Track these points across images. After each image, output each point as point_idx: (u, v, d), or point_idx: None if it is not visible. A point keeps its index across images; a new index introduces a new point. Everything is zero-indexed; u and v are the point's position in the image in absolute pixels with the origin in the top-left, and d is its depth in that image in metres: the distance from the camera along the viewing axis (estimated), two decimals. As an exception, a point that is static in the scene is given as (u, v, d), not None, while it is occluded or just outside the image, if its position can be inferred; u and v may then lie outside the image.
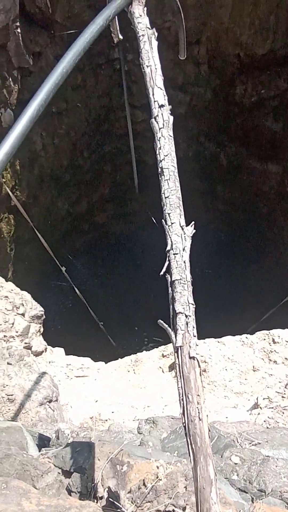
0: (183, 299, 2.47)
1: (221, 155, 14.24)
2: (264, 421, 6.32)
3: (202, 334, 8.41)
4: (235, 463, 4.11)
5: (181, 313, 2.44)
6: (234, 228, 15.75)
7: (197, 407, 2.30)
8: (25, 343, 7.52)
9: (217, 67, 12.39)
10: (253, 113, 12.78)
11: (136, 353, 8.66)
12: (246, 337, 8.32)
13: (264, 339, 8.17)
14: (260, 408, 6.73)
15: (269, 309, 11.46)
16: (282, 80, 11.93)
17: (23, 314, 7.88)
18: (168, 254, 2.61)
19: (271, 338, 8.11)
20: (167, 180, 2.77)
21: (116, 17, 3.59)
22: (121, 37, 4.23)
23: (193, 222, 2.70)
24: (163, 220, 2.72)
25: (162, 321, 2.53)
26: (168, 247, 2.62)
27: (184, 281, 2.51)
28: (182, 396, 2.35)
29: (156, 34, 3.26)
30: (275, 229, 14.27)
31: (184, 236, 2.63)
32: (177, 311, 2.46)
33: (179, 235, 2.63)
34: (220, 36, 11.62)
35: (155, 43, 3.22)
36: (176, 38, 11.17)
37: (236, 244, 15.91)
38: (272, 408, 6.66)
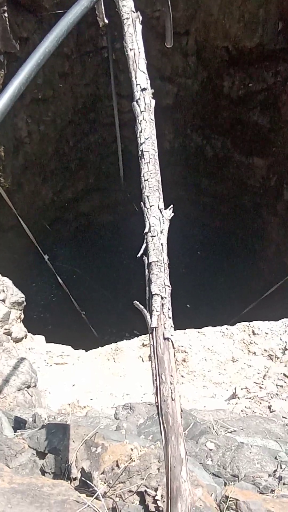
0: (159, 281, 2.48)
1: (207, 148, 14.24)
2: (241, 410, 6.37)
3: (184, 325, 8.44)
4: (210, 449, 4.14)
5: (157, 294, 2.45)
6: (219, 221, 15.79)
7: (170, 387, 2.32)
8: (5, 329, 7.50)
9: (205, 59, 12.37)
10: (240, 106, 12.79)
11: (116, 342, 8.69)
12: (226, 328, 8.37)
13: (244, 331, 8.22)
14: (238, 398, 6.79)
15: (251, 303, 11.53)
16: (270, 74, 11.94)
17: (3, 300, 7.85)
18: (145, 237, 2.62)
19: (251, 329, 8.16)
20: (147, 163, 2.77)
21: (102, 0, 3.57)
22: (106, 21, 4.21)
23: (171, 205, 2.71)
24: (141, 202, 2.73)
25: (137, 302, 2.53)
26: (146, 230, 2.62)
27: (161, 263, 2.52)
28: (156, 376, 2.37)
29: (140, 18, 3.24)
30: (259, 222, 14.34)
31: (162, 219, 2.64)
32: (153, 293, 2.47)
33: (157, 218, 2.63)
34: (209, 28, 11.59)
35: (139, 27, 3.21)
36: (164, 28, 11.18)
37: (220, 237, 15.95)
38: (250, 398, 6.72)
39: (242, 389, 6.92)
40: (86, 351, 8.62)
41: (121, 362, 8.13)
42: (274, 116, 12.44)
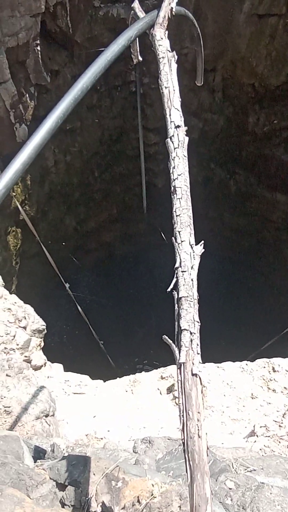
0: (189, 316, 2.49)
1: (231, 182, 14.34)
2: (260, 449, 6.27)
3: (202, 358, 8.39)
4: (230, 488, 4.08)
5: (186, 330, 2.46)
6: (240, 255, 15.77)
7: (197, 424, 2.30)
8: (25, 356, 7.51)
9: (232, 96, 12.55)
10: (264, 142, 12.89)
11: (135, 374, 8.63)
12: (246, 364, 8.28)
13: (264, 367, 8.13)
14: (257, 436, 6.67)
15: (271, 338, 11.42)
16: (295, 112, 12.07)
17: (24, 328, 7.88)
18: (176, 271, 2.64)
19: (271, 366, 8.07)
20: (179, 198, 2.81)
21: (137, 39, 3.67)
22: (140, 58, 4.31)
23: (202, 241, 2.73)
24: (173, 237, 2.76)
25: (166, 337, 2.54)
26: (177, 265, 2.64)
27: (191, 299, 2.53)
28: (183, 412, 2.36)
29: (176, 57, 3.33)
30: (281, 258, 14.29)
31: (193, 255, 2.67)
32: (182, 328, 2.47)
33: (188, 253, 2.66)
34: (236, 65, 11.79)
35: (174, 66, 3.30)
36: (192, 64, 11.37)
37: (240, 271, 15.91)
38: (269, 436, 6.61)
39: (261, 427, 6.81)
40: (104, 381, 8.58)
41: (139, 394, 8.07)
42: (298, 153, 12.54)
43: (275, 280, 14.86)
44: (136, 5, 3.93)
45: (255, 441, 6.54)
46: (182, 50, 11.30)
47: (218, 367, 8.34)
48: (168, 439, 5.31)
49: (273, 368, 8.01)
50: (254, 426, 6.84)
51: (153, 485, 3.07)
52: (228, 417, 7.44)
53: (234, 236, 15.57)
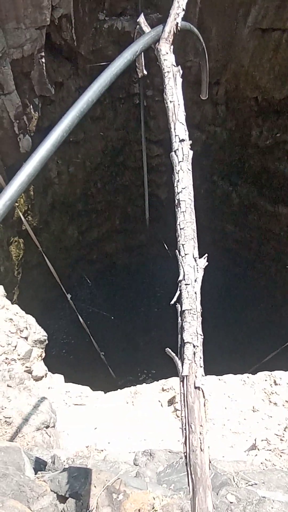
0: (192, 329, 2.50)
1: (233, 194, 14.38)
2: (261, 462, 6.24)
3: (203, 371, 8.36)
4: (231, 502, 4.06)
5: (189, 342, 2.47)
6: (242, 267, 15.78)
7: (199, 437, 2.30)
8: (26, 367, 7.51)
9: (235, 108, 12.61)
10: (267, 155, 12.94)
11: (135, 385, 8.61)
12: (248, 377, 8.26)
13: (266, 380, 8.10)
14: (258, 449, 6.64)
15: (272, 351, 11.40)
16: (298, 125, 12.13)
17: (26, 338, 7.88)
18: (179, 284, 2.65)
19: (272, 379, 8.05)
20: (183, 212, 2.83)
21: (142, 53, 3.71)
22: (145, 72, 4.35)
23: (206, 255, 2.75)
24: (176, 250, 2.77)
25: (170, 350, 2.55)
26: (180, 277, 2.65)
27: (194, 312, 2.54)
28: (185, 425, 2.36)
29: (181, 71, 3.37)
30: (283, 271, 14.30)
31: (197, 268, 2.68)
32: (185, 341, 2.48)
33: (192, 266, 2.67)
34: (240, 78, 11.86)
35: (179, 80, 3.33)
36: (196, 77, 11.46)
37: (242, 283, 15.91)
38: (270, 450, 6.58)
39: (262, 440, 6.77)
40: (105, 392, 8.56)
41: (140, 406, 8.04)
42: (300, 166, 12.58)
43: (276, 293, 14.85)
44: (141, 19, 3.97)
45: (256, 455, 6.51)
46: (186, 63, 11.39)
47: (219, 379, 8.32)
48: (169, 451, 5.29)
49: (275, 381, 7.99)
50: (255, 440, 6.81)
51: (154, 498, 3.06)
52: (229, 430, 7.40)
53: (236, 249, 15.59)
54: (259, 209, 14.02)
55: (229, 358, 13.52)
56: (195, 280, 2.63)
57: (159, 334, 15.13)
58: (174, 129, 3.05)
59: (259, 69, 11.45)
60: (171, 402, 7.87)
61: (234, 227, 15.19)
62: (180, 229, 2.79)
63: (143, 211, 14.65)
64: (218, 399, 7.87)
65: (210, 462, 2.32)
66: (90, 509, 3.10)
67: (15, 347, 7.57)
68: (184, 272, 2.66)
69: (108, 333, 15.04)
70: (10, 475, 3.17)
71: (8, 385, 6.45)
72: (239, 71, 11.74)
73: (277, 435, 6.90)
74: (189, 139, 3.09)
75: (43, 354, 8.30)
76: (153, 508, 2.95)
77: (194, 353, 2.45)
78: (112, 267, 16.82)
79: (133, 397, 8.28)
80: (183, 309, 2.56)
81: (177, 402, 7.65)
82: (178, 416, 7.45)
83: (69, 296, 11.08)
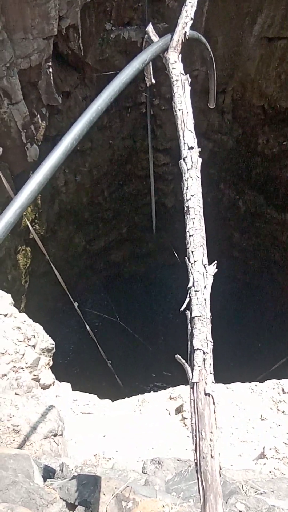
0: (202, 336, 2.50)
1: (240, 202, 14.39)
2: (270, 471, 6.20)
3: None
4: (240, 511, 4.04)
5: (199, 349, 2.47)
6: (248, 275, 15.76)
7: (209, 444, 2.30)
8: (34, 375, 7.51)
9: (241, 117, 12.65)
10: (273, 163, 12.96)
11: (143, 393, 8.60)
12: (256, 385, 8.23)
13: (274, 389, 8.07)
14: (266, 458, 6.61)
15: (280, 359, 11.36)
16: (305, 133, 12.15)
17: (34, 346, 7.89)
18: (189, 291, 2.65)
19: (280, 387, 8.01)
20: (192, 219, 2.84)
21: (150, 62, 3.74)
22: (153, 81, 4.37)
23: (215, 262, 2.75)
24: (186, 257, 2.78)
25: (180, 356, 2.55)
26: (190, 284, 2.66)
27: (204, 318, 2.54)
28: (195, 432, 2.36)
29: (189, 80, 3.39)
30: (290, 279, 14.29)
31: (206, 275, 2.68)
32: (195, 347, 2.48)
33: (201, 273, 2.68)
34: (246, 87, 11.91)
35: (188, 88, 3.35)
36: (202, 86, 11.50)
37: (249, 291, 15.88)
38: (279, 459, 6.54)
39: (270, 449, 6.74)
40: (112, 401, 8.55)
41: (148, 414, 8.02)
42: (307, 174, 12.58)
43: (283, 300, 14.81)
44: (150, 29, 4.00)
45: (264, 463, 6.48)
46: (192, 72, 11.44)
47: (227, 387, 8.29)
48: (178, 460, 5.27)
49: (283, 390, 7.95)
50: (263, 448, 6.78)
51: (164, 506, 3.05)
52: (237, 439, 7.37)
53: (243, 256, 15.58)
54: (266, 217, 14.03)
55: (237, 366, 13.48)
56: (205, 287, 2.63)
57: (167, 342, 15.12)
58: (183, 136, 3.07)
59: (265, 78, 11.50)
60: (178, 410, 7.84)
61: (241, 235, 15.19)
62: (190, 236, 2.80)
63: (150, 219, 14.68)
64: (226, 408, 7.84)
65: (220, 469, 2.31)
66: (99, 517, 3.09)
67: (23, 355, 7.58)
68: (193, 278, 2.66)
69: (115, 342, 15.03)
70: (19, 483, 3.17)
71: (16, 393, 6.45)
72: (246, 80, 11.79)
73: (285, 443, 6.87)
74: (199, 148, 3.11)
75: (51, 363, 8.30)
76: (163, 516, 2.95)
77: (204, 360, 2.45)
78: (120, 276, 16.84)
79: (141, 405, 8.26)
80: (193, 315, 2.56)
81: (184, 411, 7.63)
82: (186, 425, 7.43)
83: (76, 304, 11.10)
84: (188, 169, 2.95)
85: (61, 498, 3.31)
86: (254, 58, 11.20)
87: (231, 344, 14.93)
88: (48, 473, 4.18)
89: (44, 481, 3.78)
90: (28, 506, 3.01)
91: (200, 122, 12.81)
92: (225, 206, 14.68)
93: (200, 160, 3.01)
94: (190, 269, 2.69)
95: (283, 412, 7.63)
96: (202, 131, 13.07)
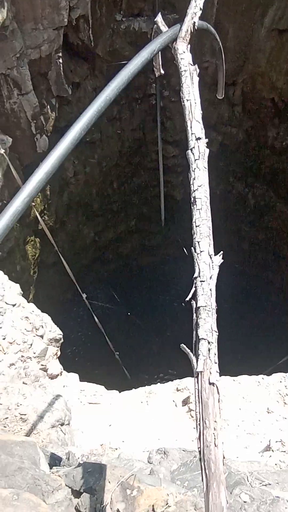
0: (207, 326, 2.51)
1: (249, 196, 14.34)
2: (276, 464, 6.22)
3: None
4: (244, 501, 4.06)
5: (204, 339, 2.48)
6: (257, 269, 15.73)
7: (213, 433, 2.31)
8: (42, 365, 7.55)
9: (251, 109, 12.59)
10: (283, 156, 12.89)
11: (150, 385, 8.62)
12: (263, 378, 8.23)
13: (280, 382, 8.07)
14: (272, 450, 6.62)
15: (287, 352, 11.35)
16: (315, 126, 12.07)
17: (41, 336, 7.92)
18: (195, 281, 2.66)
19: (287, 381, 8.01)
20: (199, 209, 2.85)
21: (159, 52, 3.73)
22: (162, 71, 4.37)
23: (221, 252, 2.76)
24: (192, 248, 2.78)
25: (184, 346, 2.56)
26: (196, 274, 2.67)
27: (209, 308, 2.56)
28: (199, 421, 2.37)
29: (198, 70, 3.39)
30: (299, 273, 14.25)
31: (212, 265, 2.69)
32: (200, 337, 2.49)
33: (207, 264, 2.68)
34: (256, 79, 11.84)
35: (196, 79, 3.35)
36: (212, 78, 11.45)
37: (257, 285, 15.86)
38: (285, 451, 6.55)
39: (276, 441, 6.75)
40: (119, 392, 8.58)
41: (154, 405, 8.04)
42: None
43: (292, 294, 14.80)
44: (159, 19, 3.99)
45: (270, 456, 6.48)
46: (202, 64, 11.38)
47: (234, 380, 8.30)
48: (183, 450, 5.29)
49: (290, 383, 7.95)
50: (269, 441, 6.78)
51: (168, 495, 3.07)
52: (243, 431, 7.38)
53: (251, 250, 15.55)
54: (275, 210, 13.97)
55: (244, 359, 13.48)
56: (210, 277, 2.64)
57: (174, 334, 15.13)
58: (191, 127, 3.07)
59: (276, 70, 11.42)
60: (185, 402, 7.86)
61: (250, 228, 15.15)
62: (196, 226, 2.81)
63: (159, 211, 14.66)
64: (232, 400, 7.85)
65: (224, 457, 2.33)
66: (104, 504, 3.12)
67: (31, 345, 7.62)
68: (199, 269, 2.67)
69: (123, 333, 15.07)
70: (25, 469, 3.21)
71: (23, 383, 6.50)
72: (256, 72, 11.72)
73: (291, 436, 6.87)
74: (206, 139, 3.11)
75: (59, 353, 8.34)
76: (167, 504, 2.97)
77: (209, 349, 2.47)
78: (128, 267, 16.86)
79: (148, 396, 8.29)
80: (198, 305, 2.57)
81: (191, 402, 7.64)
82: (192, 416, 7.44)
83: (84, 295, 11.12)
84: (195, 160, 2.96)
85: (66, 485, 3.34)
86: (264, 50, 11.12)
87: (239, 337, 14.93)
88: (55, 461, 4.22)
89: (50, 469, 3.82)
90: (33, 492, 3.04)
91: (209, 114, 12.76)
92: (234, 199, 14.64)
93: (207, 150, 3.01)
94: (196, 259, 2.70)
95: (289, 405, 7.63)
96: (211, 124, 13.02)
